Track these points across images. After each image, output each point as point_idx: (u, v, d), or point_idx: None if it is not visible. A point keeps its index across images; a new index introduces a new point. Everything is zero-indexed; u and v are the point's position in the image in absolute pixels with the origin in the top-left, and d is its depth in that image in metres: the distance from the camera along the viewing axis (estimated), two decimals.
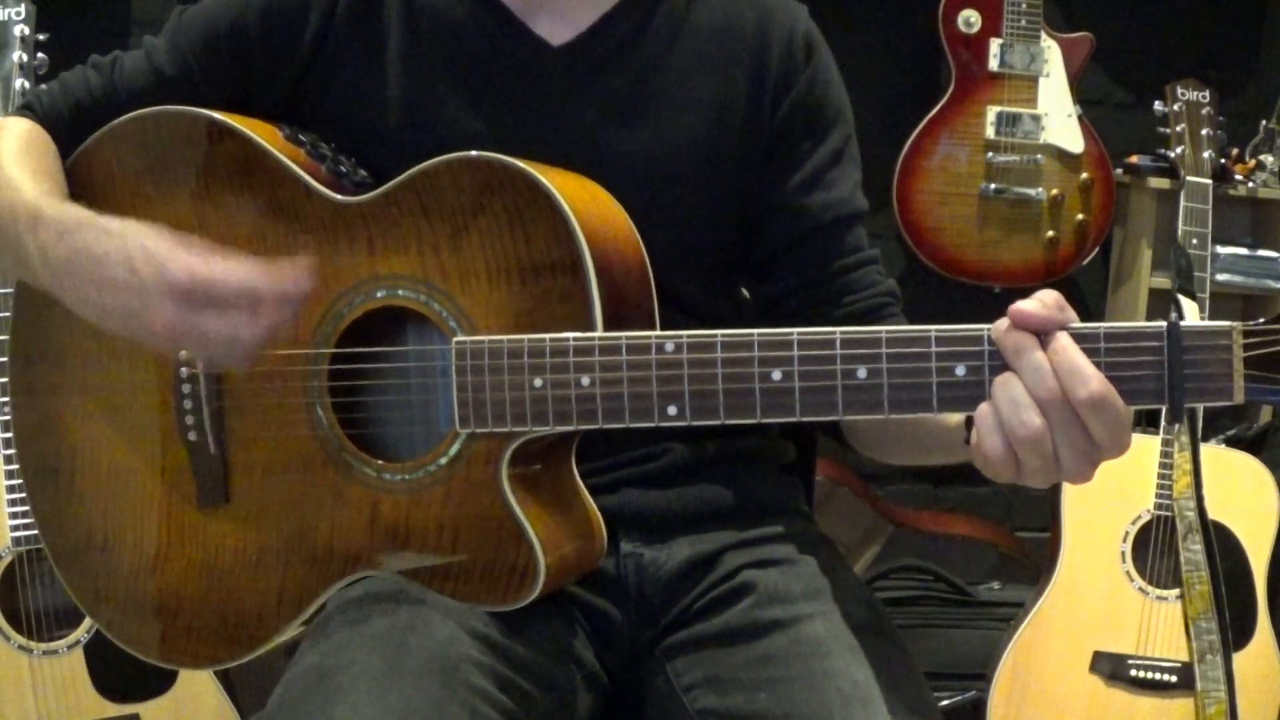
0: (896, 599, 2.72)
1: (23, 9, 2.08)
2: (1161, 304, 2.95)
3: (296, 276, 1.09)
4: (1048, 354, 0.98)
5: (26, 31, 2.07)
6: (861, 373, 1.02)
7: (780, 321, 1.33)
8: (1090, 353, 0.98)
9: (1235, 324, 0.97)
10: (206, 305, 1.08)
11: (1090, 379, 0.97)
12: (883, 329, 1.03)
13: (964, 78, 2.84)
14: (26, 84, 2.04)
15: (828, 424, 1.38)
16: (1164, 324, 0.97)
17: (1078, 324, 0.99)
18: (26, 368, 1.31)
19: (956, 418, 1.08)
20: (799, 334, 1.04)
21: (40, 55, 2.08)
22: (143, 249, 1.10)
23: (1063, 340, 0.98)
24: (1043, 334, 0.99)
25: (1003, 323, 1.00)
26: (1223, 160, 2.63)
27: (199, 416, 1.23)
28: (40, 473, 1.32)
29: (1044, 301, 0.99)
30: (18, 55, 2.05)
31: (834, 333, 1.03)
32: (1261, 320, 0.96)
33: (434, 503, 1.16)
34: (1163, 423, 2.25)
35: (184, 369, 1.23)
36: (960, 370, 1.01)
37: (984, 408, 1.00)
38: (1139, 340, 0.98)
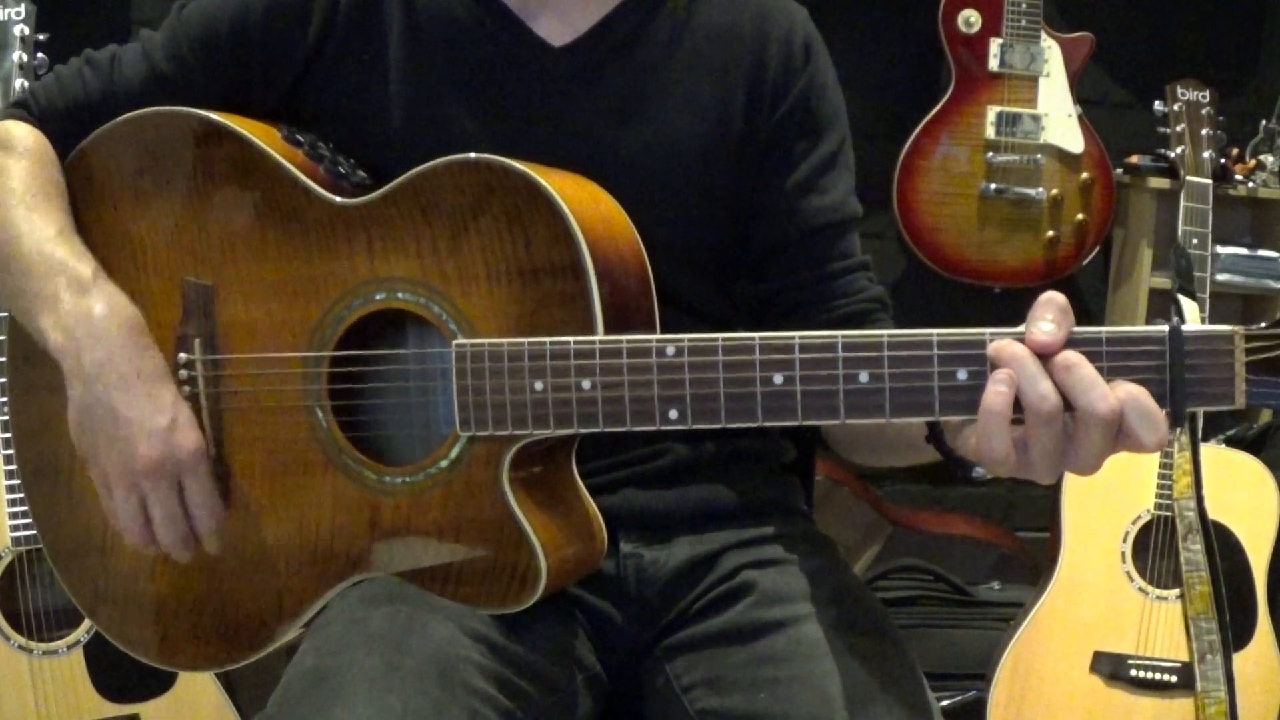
0: (896, 599, 2.72)
1: (23, 9, 2.08)
2: (1162, 304, 2.95)
3: (236, 525, 1.22)
4: (1076, 416, 0.96)
5: (26, 31, 2.07)
6: (863, 377, 1.02)
7: (768, 323, 1.33)
8: (1092, 358, 0.97)
9: (1237, 328, 0.96)
10: (173, 482, 1.20)
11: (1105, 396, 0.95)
12: (884, 333, 1.02)
13: (964, 78, 2.84)
14: (26, 84, 2.04)
15: (813, 429, 1.39)
16: (1165, 328, 0.97)
17: (1080, 329, 0.99)
18: (26, 367, 1.30)
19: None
20: (800, 338, 1.04)
21: (40, 55, 2.08)
22: (177, 399, 1.21)
23: (1071, 357, 0.96)
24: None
25: (1008, 345, 0.98)
26: (1223, 160, 2.63)
27: (198, 418, 1.23)
28: (39, 473, 1.32)
29: (1057, 322, 0.97)
30: (18, 55, 2.05)
31: (836, 337, 1.03)
32: (1263, 324, 0.96)
33: (434, 505, 1.16)
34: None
35: (183, 371, 1.23)
36: (962, 374, 1.00)
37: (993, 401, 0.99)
38: (1140, 345, 0.97)
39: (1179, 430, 0.99)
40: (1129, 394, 0.95)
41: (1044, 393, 0.95)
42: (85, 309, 1.19)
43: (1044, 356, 0.96)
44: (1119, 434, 0.96)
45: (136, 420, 1.18)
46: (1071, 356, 0.96)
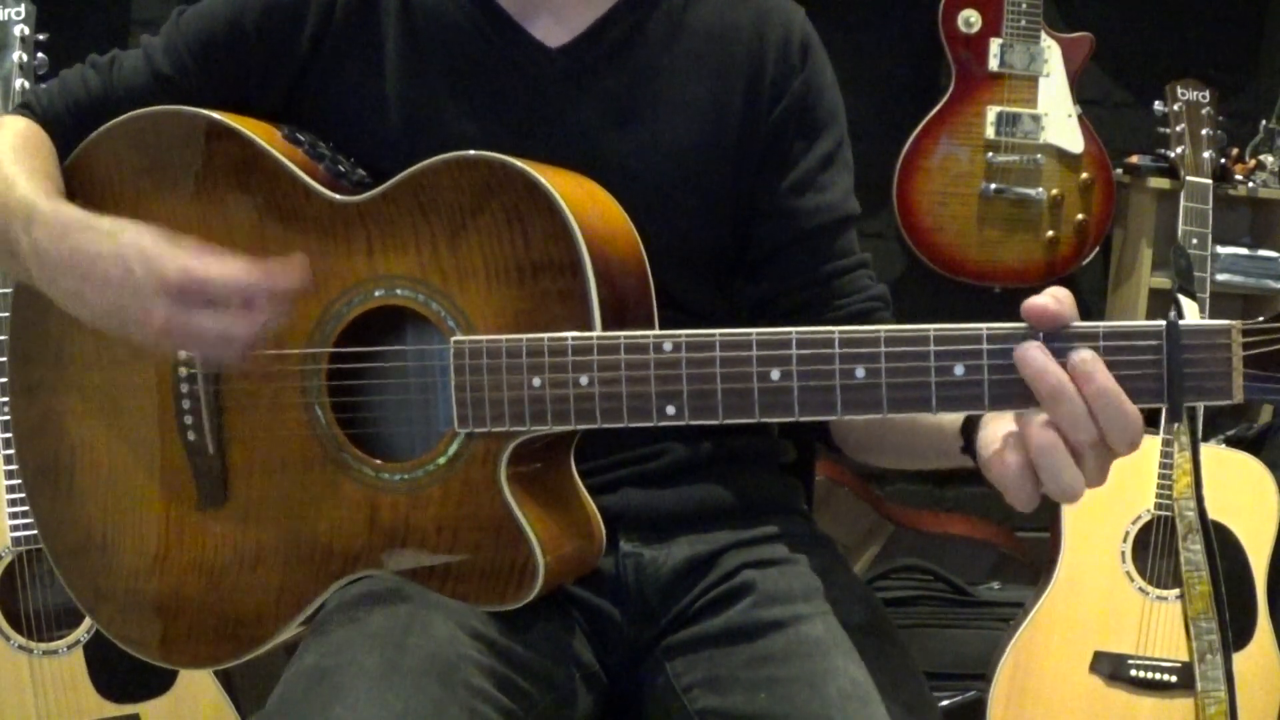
0: (896, 599, 2.72)
1: (23, 9, 2.08)
2: (1161, 304, 2.95)
3: (289, 273, 1.10)
4: (1082, 393, 0.97)
5: (26, 31, 2.07)
6: (860, 372, 1.02)
7: (771, 323, 1.33)
8: None
9: (1234, 323, 0.96)
10: (200, 303, 1.08)
11: (1131, 422, 0.97)
12: (881, 328, 1.02)
13: (964, 78, 2.85)
14: (26, 84, 2.04)
15: (820, 433, 1.38)
16: (1163, 323, 0.97)
17: (1079, 323, 0.99)
18: (26, 367, 1.31)
19: (951, 420, 1.08)
20: (797, 334, 1.04)
21: (40, 55, 2.08)
22: (137, 247, 1.11)
23: (1100, 381, 0.96)
24: (1057, 334, 0.98)
25: (1031, 352, 0.98)
26: (1223, 160, 2.63)
27: (198, 416, 1.23)
28: (40, 472, 1.32)
29: (1058, 298, 0.98)
30: (18, 55, 2.05)
31: (832, 332, 1.03)
32: (1261, 319, 0.96)
33: (433, 502, 1.16)
34: (1162, 422, 2.25)
35: (183, 369, 1.23)
36: (959, 370, 1.01)
37: (1012, 462, 0.99)
38: (1138, 339, 0.98)
39: (1178, 427, 0.99)
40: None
41: (1063, 481, 0.97)
42: (36, 241, 1.16)
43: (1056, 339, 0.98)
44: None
45: (123, 297, 1.10)
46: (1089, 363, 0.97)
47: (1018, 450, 0.99)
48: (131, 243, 1.11)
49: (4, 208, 1.19)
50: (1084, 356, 0.96)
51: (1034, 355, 0.97)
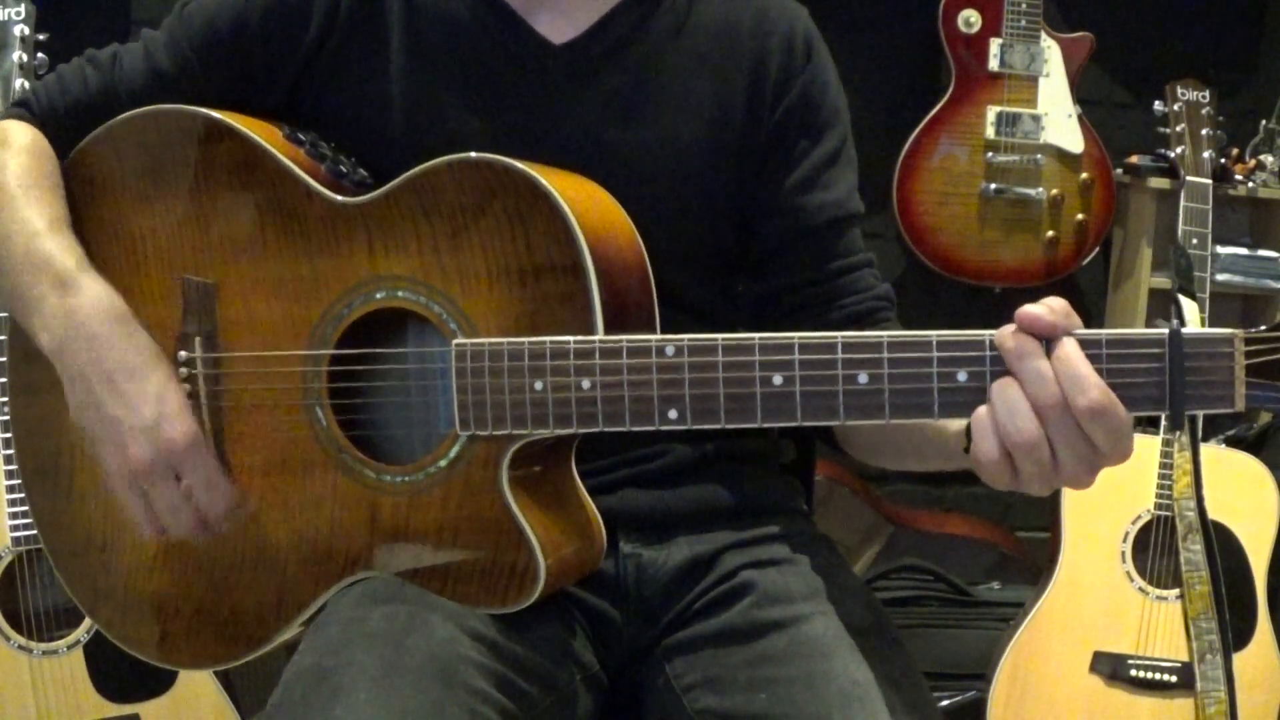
0: (896, 599, 2.72)
1: (23, 9, 2.08)
2: (1161, 304, 2.95)
3: (250, 504, 1.22)
4: (1051, 360, 0.98)
5: (26, 31, 2.07)
6: (862, 378, 1.02)
7: (774, 322, 1.33)
8: (1092, 359, 0.97)
9: (1237, 331, 0.96)
10: (171, 474, 1.19)
11: (1091, 387, 0.96)
12: (884, 334, 1.02)
13: (964, 78, 2.84)
14: (26, 84, 2.04)
15: (824, 432, 1.38)
16: (1165, 331, 0.97)
17: (1081, 330, 0.99)
18: (26, 366, 1.30)
19: (956, 425, 1.08)
20: (800, 338, 1.04)
21: (40, 55, 2.08)
22: (163, 387, 1.19)
23: (1068, 348, 0.98)
24: (1049, 340, 0.98)
25: (1008, 328, 1.00)
26: (1223, 160, 2.63)
27: (198, 417, 1.23)
28: (39, 472, 1.32)
29: (1051, 307, 0.99)
30: (18, 55, 2.05)
31: (835, 337, 1.03)
32: (1263, 327, 0.96)
33: (434, 505, 1.16)
34: (1162, 426, 2.25)
35: (183, 369, 1.23)
36: (962, 376, 1.01)
37: (981, 411, 1.00)
38: (1140, 347, 0.98)
39: (1179, 432, 0.99)
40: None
41: (1020, 426, 0.98)
42: (69, 308, 1.19)
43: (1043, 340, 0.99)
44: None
45: (124, 418, 1.17)
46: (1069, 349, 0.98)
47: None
48: (160, 379, 1.19)
49: (27, 259, 1.21)
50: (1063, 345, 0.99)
51: (1004, 331, 1.00)
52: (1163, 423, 2.22)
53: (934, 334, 1.01)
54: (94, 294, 1.20)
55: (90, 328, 1.18)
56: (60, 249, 1.21)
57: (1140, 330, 0.98)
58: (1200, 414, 0.99)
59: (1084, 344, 0.98)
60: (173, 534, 1.22)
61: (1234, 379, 0.96)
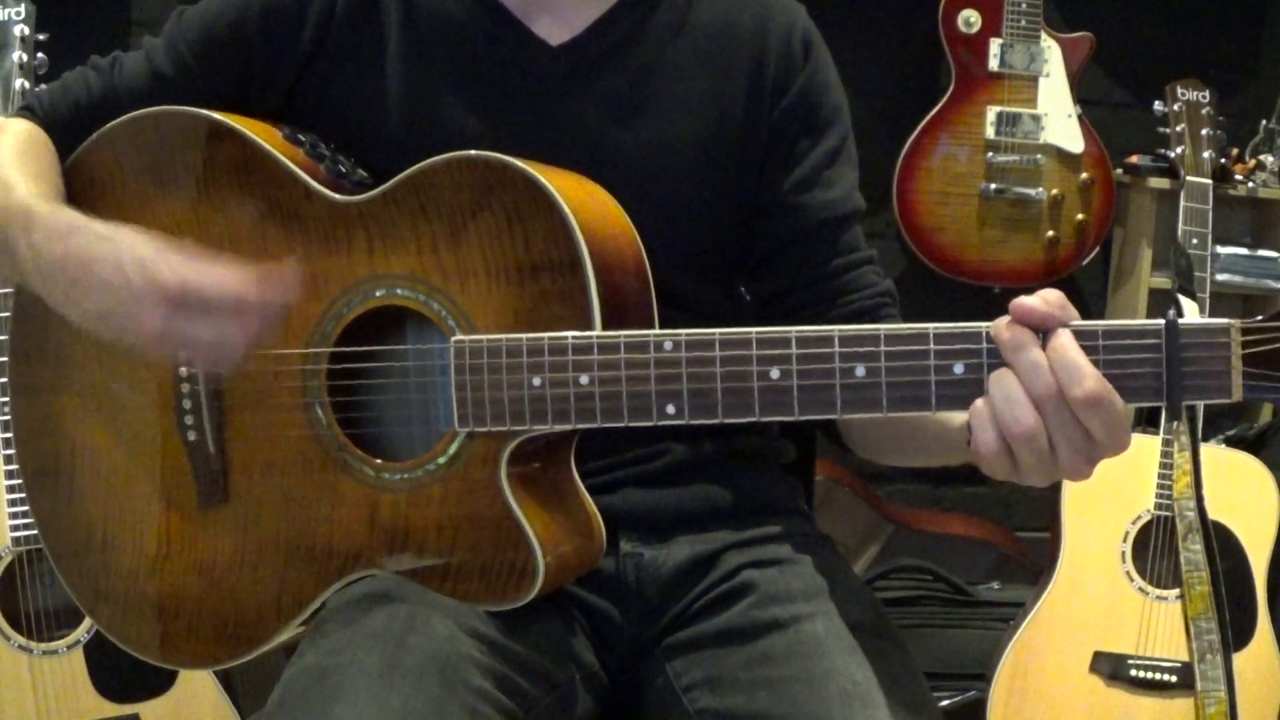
0: (896, 599, 2.71)
1: (23, 9, 2.08)
2: (1161, 304, 2.95)
3: (284, 282, 1.11)
4: (1046, 351, 0.98)
5: (26, 31, 2.07)
6: (860, 371, 1.02)
7: (777, 320, 1.33)
8: (1088, 350, 0.98)
9: (1233, 321, 0.96)
10: (194, 309, 1.09)
11: (1086, 377, 0.97)
12: (881, 327, 1.03)
13: (964, 78, 2.84)
14: (26, 84, 2.04)
15: (826, 426, 1.38)
16: (1162, 321, 0.97)
17: (1078, 322, 0.99)
18: (26, 367, 1.31)
19: (959, 419, 1.08)
20: (797, 332, 1.04)
21: (40, 55, 2.08)
22: (133, 253, 1.11)
23: (1062, 338, 0.98)
24: (1044, 331, 0.99)
25: (1003, 319, 1.00)
26: (1223, 160, 2.63)
27: (198, 416, 1.23)
28: (40, 472, 1.32)
29: (1046, 299, 0.99)
30: (18, 55, 2.05)
31: (832, 331, 1.03)
32: (1260, 317, 0.96)
33: (433, 502, 1.16)
34: (1162, 422, 2.25)
35: (183, 369, 1.23)
36: (959, 368, 1.01)
37: (979, 404, 1.00)
38: (1137, 338, 0.98)
39: (1178, 426, 0.99)
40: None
41: (1018, 416, 0.98)
42: (34, 244, 1.16)
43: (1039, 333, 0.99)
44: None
45: (119, 302, 1.11)
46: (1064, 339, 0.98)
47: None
48: (128, 247, 1.12)
49: (3, 211, 1.19)
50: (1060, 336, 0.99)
51: (999, 323, 1.00)
52: (1162, 421, 2.22)
53: (931, 326, 1.01)
54: (45, 219, 1.16)
55: (53, 251, 1.15)
56: (27, 192, 1.19)
57: (1137, 321, 0.98)
58: (1199, 406, 0.98)
59: (1081, 335, 0.98)
60: (245, 361, 1.14)
61: (1231, 369, 0.96)
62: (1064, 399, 0.97)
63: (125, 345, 1.14)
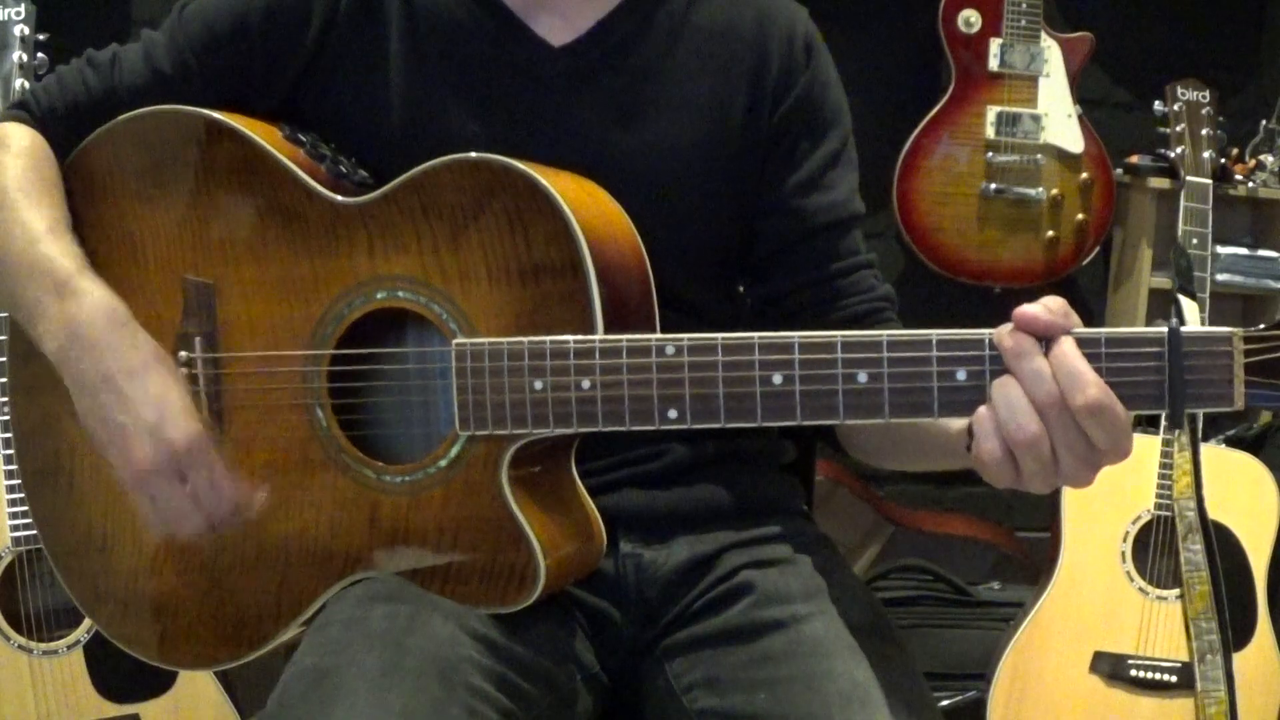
0: (896, 599, 2.72)
1: (23, 9, 2.08)
2: (1161, 304, 2.95)
3: (258, 498, 1.21)
4: (1049, 358, 0.98)
5: (26, 31, 2.07)
6: (862, 377, 1.02)
7: (776, 322, 1.33)
8: (1091, 358, 0.98)
9: (1236, 330, 0.96)
10: (176, 475, 1.17)
11: (1089, 384, 0.97)
12: (884, 333, 1.03)
13: (964, 78, 2.84)
14: (26, 84, 2.04)
15: (826, 432, 1.38)
16: (1165, 329, 0.97)
17: (1081, 329, 0.99)
18: (26, 367, 1.30)
19: (959, 424, 1.08)
20: (800, 338, 1.04)
21: (40, 55, 2.08)
22: (164, 388, 1.18)
23: (1065, 345, 0.98)
24: (1046, 339, 0.99)
25: (1006, 326, 1.00)
26: (1223, 160, 2.63)
27: (201, 418, 1.23)
28: (40, 472, 1.32)
29: (1049, 306, 0.99)
30: (18, 55, 2.05)
31: (835, 336, 1.03)
32: (1262, 326, 0.96)
33: (434, 504, 1.16)
34: (1162, 427, 2.25)
35: (183, 369, 1.23)
36: (961, 375, 1.01)
37: (982, 411, 1.00)
38: (1140, 346, 0.98)
39: (1178, 430, 0.99)
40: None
41: (1021, 423, 0.98)
42: (68, 314, 1.18)
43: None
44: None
45: (127, 422, 1.16)
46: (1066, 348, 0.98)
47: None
48: (161, 380, 1.18)
49: (28, 265, 1.20)
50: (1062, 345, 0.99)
51: (1002, 330, 1.00)
52: (1162, 422, 2.22)
53: (933, 333, 1.01)
54: (92, 299, 1.19)
55: (90, 334, 1.18)
56: (60, 253, 1.21)
57: (1139, 329, 0.98)
58: (1200, 412, 0.99)
59: (1083, 343, 0.98)
60: (181, 535, 1.21)
61: (1233, 377, 0.96)
62: (1066, 406, 0.97)
63: (102, 449, 1.19)
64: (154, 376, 1.18)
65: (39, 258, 1.20)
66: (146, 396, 1.17)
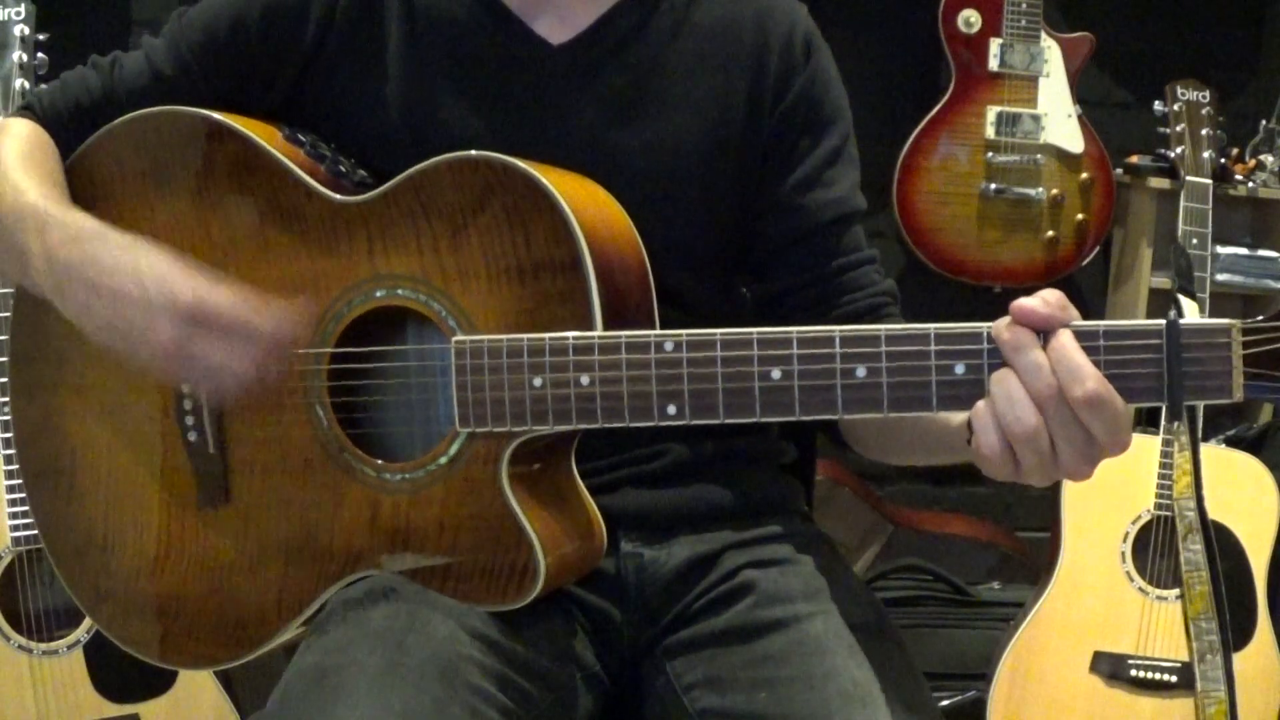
0: (896, 599, 2.72)
1: (23, 9, 2.08)
2: (1161, 304, 2.95)
3: (296, 317, 1.13)
4: (1047, 351, 0.98)
5: (26, 31, 2.07)
6: (861, 371, 1.02)
7: (778, 320, 1.33)
8: (1089, 351, 0.98)
9: (1234, 321, 0.97)
10: (207, 331, 1.10)
11: (1087, 377, 0.97)
12: (882, 327, 1.03)
13: (964, 78, 2.84)
14: (26, 84, 2.04)
15: (827, 426, 1.38)
16: (1163, 322, 0.97)
17: (1079, 322, 0.99)
18: (27, 367, 1.31)
19: (959, 418, 1.08)
20: (798, 333, 1.04)
21: (40, 55, 2.08)
22: (152, 266, 1.12)
23: (1063, 338, 0.98)
24: (1044, 332, 0.99)
25: (1004, 320, 1.00)
26: (1223, 160, 2.63)
27: (199, 416, 1.23)
28: (41, 473, 1.32)
29: (1046, 299, 0.99)
30: (18, 55, 2.05)
31: (833, 331, 1.03)
32: (1261, 317, 0.96)
33: (434, 502, 1.16)
34: (1162, 421, 2.25)
35: (185, 385, 1.23)
36: (959, 369, 1.01)
37: (981, 405, 1.00)
38: (1138, 338, 0.98)
39: (1179, 426, 0.99)
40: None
41: (1020, 416, 0.98)
42: (47, 246, 1.17)
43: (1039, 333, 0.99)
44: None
45: (132, 314, 1.12)
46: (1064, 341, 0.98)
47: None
48: (148, 260, 1.13)
49: (14, 213, 1.19)
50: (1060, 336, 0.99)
51: (999, 324, 1.00)
52: (1162, 421, 2.22)
53: (932, 327, 1.01)
54: (62, 223, 1.17)
55: (67, 256, 1.16)
56: (39, 196, 1.19)
57: (1138, 321, 0.98)
58: (1200, 406, 0.99)
59: (1082, 335, 0.98)
60: (241, 394, 1.14)
61: (1232, 369, 0.96)
62: (1065, 399, 0.97)
63: (132, 358, 1.14)
64: (140, 259, 1.14)
65: (21, 205, 1.19)
66: (139, 280, 1.12)
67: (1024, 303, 0.99)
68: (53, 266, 1.16)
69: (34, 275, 1.18)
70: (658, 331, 1.08)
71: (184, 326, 1.10)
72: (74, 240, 1.16)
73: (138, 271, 1.12)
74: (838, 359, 1.03)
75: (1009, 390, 0.99)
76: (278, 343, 1.13)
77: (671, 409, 1.07)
